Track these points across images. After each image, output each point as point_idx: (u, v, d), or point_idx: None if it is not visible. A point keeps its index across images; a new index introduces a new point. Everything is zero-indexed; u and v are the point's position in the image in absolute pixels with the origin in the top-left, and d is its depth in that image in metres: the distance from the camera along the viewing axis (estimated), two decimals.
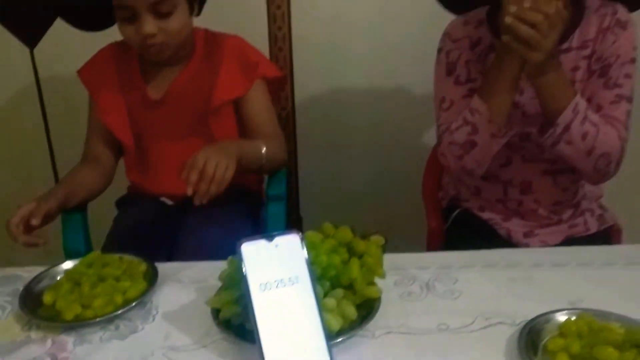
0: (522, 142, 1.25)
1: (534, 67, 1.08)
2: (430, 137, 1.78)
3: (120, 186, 1.51)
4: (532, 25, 1.00)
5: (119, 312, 0.88)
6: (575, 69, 1.20)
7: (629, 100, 1.17)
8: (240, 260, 0.74)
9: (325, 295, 0.81)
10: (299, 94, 1.87)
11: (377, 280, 0.87)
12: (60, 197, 1.22)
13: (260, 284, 0.74)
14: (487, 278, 0.96)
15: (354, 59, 1.84)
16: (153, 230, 1.37)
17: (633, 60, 1.17)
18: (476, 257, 1.03)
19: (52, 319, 0.88)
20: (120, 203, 1.53)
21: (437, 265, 1.00)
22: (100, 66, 1.41)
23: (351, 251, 0.86)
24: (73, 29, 1.72)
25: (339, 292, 0.82)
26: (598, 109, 1.16)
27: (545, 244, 1.28)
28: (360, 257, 0.85)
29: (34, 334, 0.87)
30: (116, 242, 1.36)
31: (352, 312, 0.80)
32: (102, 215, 1.46)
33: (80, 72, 1.41)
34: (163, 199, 1.44)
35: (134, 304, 0.90)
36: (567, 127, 1.10)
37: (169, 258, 1.28)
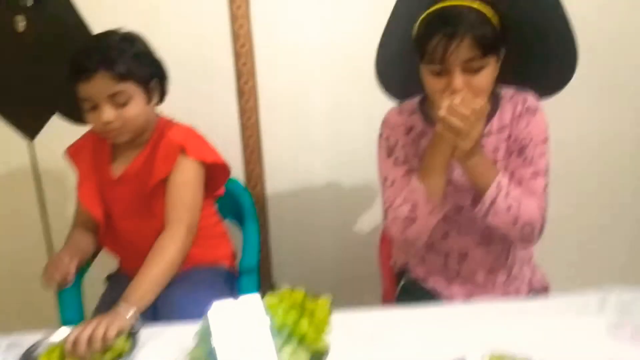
0: (456, 215, 1.41)
1: (463, 152, 1.23)
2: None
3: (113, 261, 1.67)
4: (462, 118, 1.17)
5: None
6: (495, 150, 1.38)
7: (545, 174, 1.35)
8: (207, 320, 0.93)
9: (281, 348, 0.99)
10: (269, 175, 2.04)
11: (327, 334, 1.03)
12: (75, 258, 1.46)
13: (225, 340, 0.92)
14: (423, 330, 1.15)
15: (315, 147, 2.03)
16: None
17: (545, 140, 1.35)
18: (413, 312, 1.23)
19: None
20: (109, 278, 1.67)
21: (381, 320, 1.18)
22: (82, 145, 1.57)
23: (303, 310, 1.04)
24: (69, 123, 1.93)
25: (293, 345, 1.00)
26: (519, 183, 1.33)
27: None
28: (310, 315, 1.03)
29: None
30: None
31: None
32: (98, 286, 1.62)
33: (68, 149, 1.58)
34: None
35: None
36: (493, 202, 1.27)
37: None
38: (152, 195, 1.48)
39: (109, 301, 1.48)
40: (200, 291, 1.44)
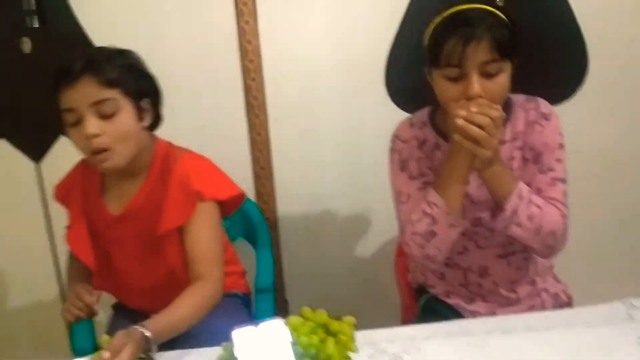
0: (475, 228, 1.37)
1: (482, 162, 1.21)
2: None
3: None
4: (480, 127, 1.14)
5: None
6: (510, 158, 1.34)
7: (563, 181, 1.32)
8: (232, 345, 0.90)
9: None
10: (280, 192, 2.02)
11: (352, 354, 1.01)
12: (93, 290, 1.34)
13: None
14: (447, 346, 1.12)
15: (326, 162, 2.01)
16: None
17: (561, 146, 1.32)
18: (437, 328, 1.19)
19: None
20: (115, 307, 1.60)
21: (404, 338, 1.15)
22: (69, 183, 1.44)
23: (327, 331, 1.02)
24: None
25: None
26: (538, 192, 1.29)
27: None
28: (335, 335, 1.01)
29: None
30: None
31: None
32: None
33: (56, 189, 1.46)
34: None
35: None
36: (514, 211, 1.24)
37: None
38: (162, 237, 1.36)
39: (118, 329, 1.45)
40: (216, 319, 1.32)
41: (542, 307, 1.44)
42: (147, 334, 1.13)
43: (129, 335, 1.10)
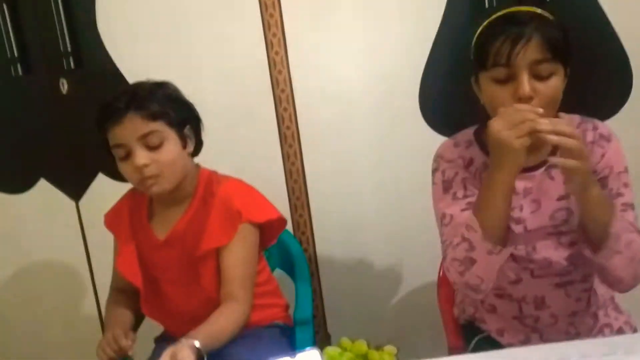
0: (529, 256, 1.26)
1: (579, 181, 1.07)
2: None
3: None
4: (570, 136, 1.03)
5: None
6: None
7: (633, 207, 1.21)
8: None
9: None
10: (317, 221, 1.99)
11: None
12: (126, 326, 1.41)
13: None
14: None
15: (362, 189, 1.97)
16: None
17: (626, 169, 1.23)
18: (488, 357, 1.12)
19: None
20: (158, 340, 1.60)
21: None
22: (118, 211, 1.51)
23: None
24: (113, 181, 1.95)
25: None
26: None
27: None
28: None
29: None
30: None
31: None
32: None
33: (105, 216, 1.53)
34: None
35: None
36: (617, 237, 1.12)
37: None
38: (200, 259, 1.41)
39: None
40: (257, 350, 1.36)
41: None
42: (197, 344, 1.20)
43: (181, 347, 1.17)
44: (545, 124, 1.03)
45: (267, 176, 1.89)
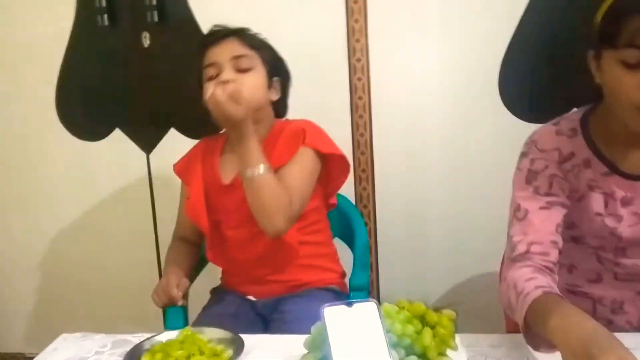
0: (617, 259, 1.16)
1: None
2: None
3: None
4: None
5: None
6: None
7: None
8: (323, 321, 0.85)
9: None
10: (380, 197, 1.97)
11: (450, 352, 0.93)
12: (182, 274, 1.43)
13: (341, 346, 0.83)
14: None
15: (429, 168, 1.94)
16: (236, 323, 1.38)
17: None
18: None
19: None
20: (213, 292, 1.63)
21: (510, 346, 1.04)
22: (191, 157, 1.55)
23: (424, 322, 0.93)
24: (184, 137, 1.99)
25: (413, 359, 0.89)
26: None
27: None
28: (432, 327, 0.92)
29: None
30: None
31: None
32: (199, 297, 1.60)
33: (175, 165, 1.57)
34: (249, 296, 1.51)
35: None
36: None
37: None
38: None
39: (211, 314, 1.49)
40: (309, 308, 1.34)
41: None
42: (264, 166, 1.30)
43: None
44: None
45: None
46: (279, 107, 1.53)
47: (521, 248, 1.09)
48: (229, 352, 1.05)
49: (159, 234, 2.10)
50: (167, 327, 1.47)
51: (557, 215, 1.11)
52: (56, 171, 2.13)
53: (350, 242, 1.71)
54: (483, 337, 1.08)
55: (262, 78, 1.43)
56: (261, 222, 1.33)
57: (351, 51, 1.84)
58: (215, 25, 1.47)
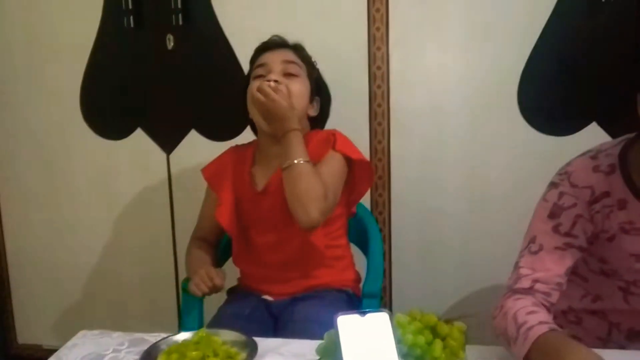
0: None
1: None
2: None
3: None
4: None
5: None
6: None
7: None
8: (336, 329, 0.86)
9: None
10: (395, 204, 1.98)
11: None
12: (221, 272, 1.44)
13: (353, 354, 0.85)
14: None
15: (446, 179, 1.94)
16: (250, 324, 1.42)
17: None
18: None
19: None
20: (230, 292, 1.65)
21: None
22: (219, 166, 1.58)
23: (435, 334, 0.95)
24: (204, 139, 2.01)
25: None
26: None
27: None
28: (443, 339, 0.94)
29: None
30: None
31: None
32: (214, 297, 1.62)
33: (203, 170, 1.60)
34: (265, 296, 1.54)
35: None
36: None
37: None
38: None
39: (225, 314, 1.51)
40: (325, 310, 1.36)
41: None
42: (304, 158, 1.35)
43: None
44: None
45: None
46: (315, 125, 1.58)
47: (525, 283, 1.09)
48: (243, 355, 1.07)
49: (176, 232, 2.13)
50: (183, 324, 1.50)
51: (570, 258, 1.10)
52: (78, 169, 2.17)
53: (364, 248, 1.72)
54: (493, 349, 1.09)
55: (306, 88, 1.50)
56: (296, 212, 1.35)
57: (372, 59, 1.86)
58: (274, 35, 1.56)
